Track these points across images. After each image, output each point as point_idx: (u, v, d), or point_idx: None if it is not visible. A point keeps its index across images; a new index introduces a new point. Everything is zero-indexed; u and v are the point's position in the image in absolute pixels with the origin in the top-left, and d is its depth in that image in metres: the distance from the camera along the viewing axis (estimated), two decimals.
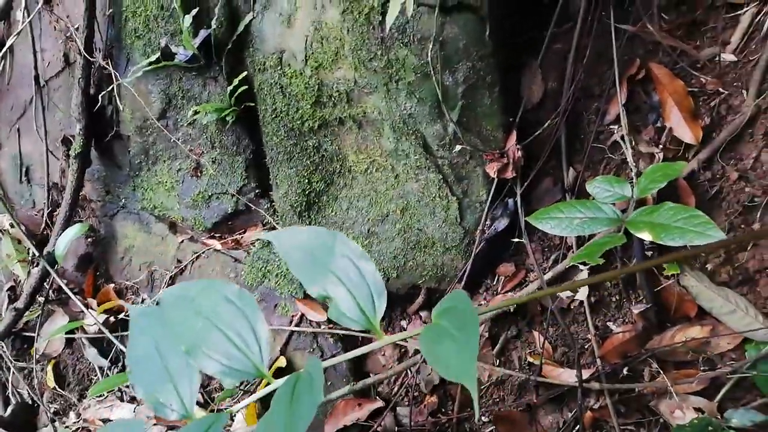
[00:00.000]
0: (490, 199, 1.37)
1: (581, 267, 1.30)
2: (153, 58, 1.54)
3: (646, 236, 0.99)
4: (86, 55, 1.59)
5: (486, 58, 1.24)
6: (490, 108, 1.29)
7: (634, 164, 1.28)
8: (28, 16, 1.67)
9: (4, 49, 1.66)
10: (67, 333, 1.84)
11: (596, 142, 1.40)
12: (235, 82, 1.50)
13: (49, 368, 1.88)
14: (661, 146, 1.34)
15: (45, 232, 1.90)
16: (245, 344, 0.64)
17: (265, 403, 1.48)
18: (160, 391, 0.67)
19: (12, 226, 1.87)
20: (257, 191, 1.67)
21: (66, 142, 1.78)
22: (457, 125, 1.26)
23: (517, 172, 1.32)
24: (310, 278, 0.64)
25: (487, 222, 1.39)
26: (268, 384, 0.65)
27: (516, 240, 1.42)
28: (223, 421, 0.60)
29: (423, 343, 0.56)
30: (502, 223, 1.38)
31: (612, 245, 1.03)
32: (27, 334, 1.92)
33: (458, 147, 1.27)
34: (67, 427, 1.79)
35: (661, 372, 1.33)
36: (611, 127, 1.39)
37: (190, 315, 0.66)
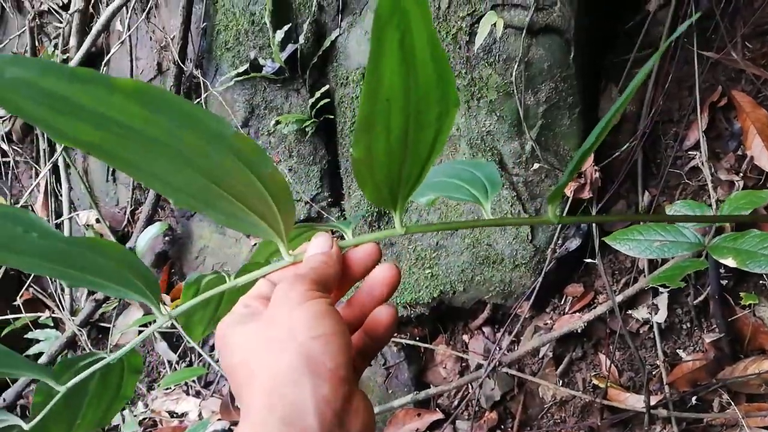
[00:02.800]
0: (563, 215, 1.39)
1: (662, 290, 1.30)
2: (241, 69, 1.62)
3: (730, 262, 0.99)
4: (179, 63, 1.69)
5: (569, 79, 1.26)
6: (569, 128, 1.32)
7: (713, 191, 1.28)
8: (128, 26, 1.80)
9: (107, 57, 1.78)
10: (140, 326, 1.94)
11: (673, 167, 1.40)
12: (317, 94, 1.57)
13: None
14: (741, 174, 1.33)
15: (126, 229, 2.01)
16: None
17: None
18: None
19: (97, 221, 1.98)
20: (330, 200, 1.73)
21: None
22: (535, 144, 1.29)
23: (594, 193, 1.33)
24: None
25: (559, 241, 1.41)
26: None
27: (587, 261, 1.43)
28: None
29: None
30: (573, 243, 1.39)
31: (694, 269, 1.03)
32: (103, 324, 2.03)
33: (536, 165, 1.30)
34: (135, 415, 1.88)
35: (732, 403, 1.30)
36: (690, 152, 1.39)
37: None
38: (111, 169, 2.05)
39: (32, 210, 2.14)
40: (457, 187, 0.67)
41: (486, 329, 1.61)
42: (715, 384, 1.32)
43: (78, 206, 2.14)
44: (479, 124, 1.34)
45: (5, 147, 2.09)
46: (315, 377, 0.40)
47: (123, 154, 0.41)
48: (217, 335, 0.48)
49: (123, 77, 0.40)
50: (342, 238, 0.55)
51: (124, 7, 1.74)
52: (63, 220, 2.00)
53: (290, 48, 1.57)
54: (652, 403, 1.33)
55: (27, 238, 0.45)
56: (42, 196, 2.06)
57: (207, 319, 0.64)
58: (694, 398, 1.33)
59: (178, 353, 1.92)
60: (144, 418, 1.88)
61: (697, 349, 1.37)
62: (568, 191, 1.33)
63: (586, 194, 1.33)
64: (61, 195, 2.03)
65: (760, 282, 1.32)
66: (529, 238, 1.43)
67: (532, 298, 1.45)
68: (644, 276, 1.39)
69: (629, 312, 1.41)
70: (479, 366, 1.53)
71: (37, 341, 2.00)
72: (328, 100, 1.58)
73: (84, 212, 2.07)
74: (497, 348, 1.52)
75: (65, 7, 1.96)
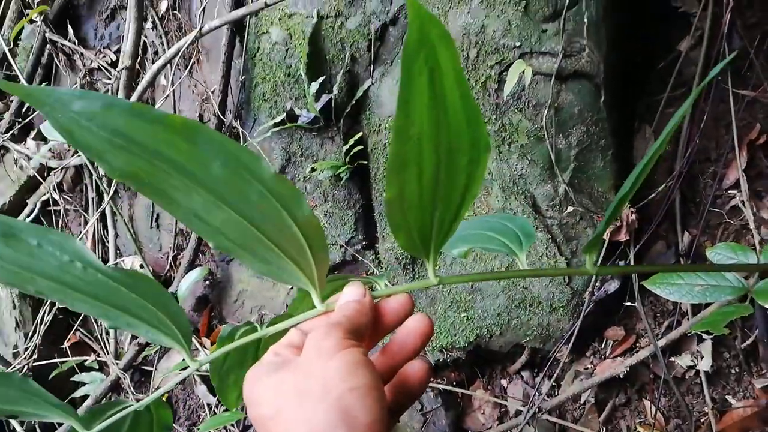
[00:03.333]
0: (600, 260, 1.37)
1: (705, 336, 1.26)
2: (278, 119, 1.68)
3: None
4: (220, 115, 1.76)
5: (600, 122, 1.27)
6: (602, 171, 1.31)
7: (756, 231, 1.25)
8: (172, 81, 1.89)
9: None
10: (181, 369, 1.97)
11: (713, 206, 1.38)
12: (351, 141, 1.61)
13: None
14: None
15: (169, 274, 2.07)
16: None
17: None
18: None
19: (141, 266, 2.05)
20: (364, 243, 1.75)
21: None
22: (568, 187, 1.29)
23: (630, 235, 1.31)
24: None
25: (597, 284, 1.38)
26: None
27: (627, 304, 1.40)
28: None
29: None
30: (612, 286, 1.37)
31: (738, 315, 1.00)
32: (146, 368, 2.08)
33: (570, 208, 1.29)
34: None
35: None
36: (730, 192, 1.36)
37: None
38: (155, 216, 2.13)
39: None
40: (490, 239, 0.67)
41: (525, 374, 1.58)
42: None
43: (124, 252, 2.22)
44: (511, 168, 1.35)
45: (56, 196, 2.20)
46: None
47: (167, 189, 0.43)
48: (245, 385, 0.47)
49: (172, 113, 0.43)
50: (374, 288, 0.55)
51: (169, 64, 1.83)
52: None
53: (325, 98, 1.62)
54: None
55: (71, 269, 0.47)
56: (90, 242, 2.15)
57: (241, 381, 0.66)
58: None
59: (217, 397, 1.93)
60: None
61: (747, 395, 1.31)
62: (605, 235, 1.31)
63: (623, 236, 1.31)
64: (107, 242, 2.12)
65: None
66: (566, 280, 1.41)
67: (572, 341, 1.42)
68: (687, 319, 1.35)
69: (672, 358, 1.37)
70: (518, 412, 1.49)
71: (83, 384, 2.05)
72: (362, 147, 1.62)
73: (129, 258, 2.15)
74: (537, 393, 1.49)
75: (114, 65, 2.08)
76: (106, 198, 1.98)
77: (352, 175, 1.70)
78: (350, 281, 0.55)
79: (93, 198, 2.13)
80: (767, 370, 1.28)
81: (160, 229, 2.13)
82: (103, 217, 2.13)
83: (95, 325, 2.18)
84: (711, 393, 1.33)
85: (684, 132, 1.38)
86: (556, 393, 1.49)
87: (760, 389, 1.28)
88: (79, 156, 1.99)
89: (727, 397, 1.33)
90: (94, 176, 1.97)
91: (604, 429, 1.43)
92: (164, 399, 2.02)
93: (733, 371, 1.34)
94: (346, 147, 1.63)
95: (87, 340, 2.21)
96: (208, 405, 1.97)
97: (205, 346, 1.94)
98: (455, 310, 1.56)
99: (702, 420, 1.34)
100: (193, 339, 1.81)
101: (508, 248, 0.64)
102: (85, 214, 2.21)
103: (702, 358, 1.31)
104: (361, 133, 1.61)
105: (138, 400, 0.55)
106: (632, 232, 1.32)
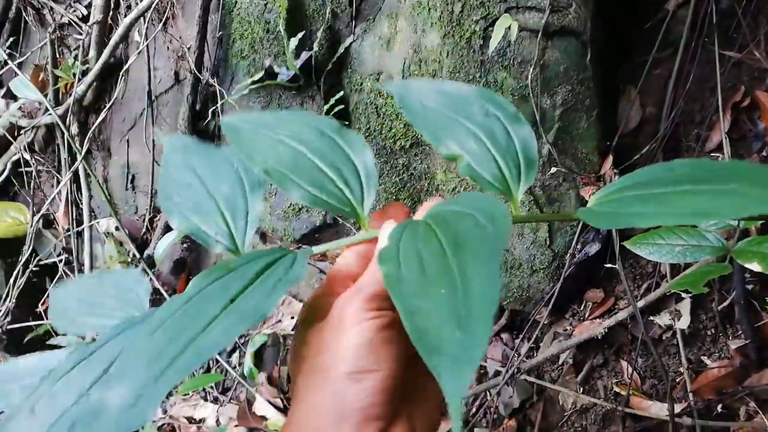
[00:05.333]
0: (582, 223, 1.36)
1: (684, 295, 1.27)
2: (257, 77, 1.63)
3: (755, 267, 0.96)
4: (196, 72, 1.71)
5: (585, 81, 1.24)
6: (586, 131, 1.30)
7: None
8: (146, 36, 1.82)
9: (126, 67, 1.81)
10: None
11: None
12: (332, 101, 1.57)
13: None
14: None
15: (145, 237, 2.03)
16: (342, 180, 0.52)
17: None
18: (204, 219, 0.54)
19: (117, 229, 2.01)
20: None
21: None
22: (552, 147, 1.27)
23: None
24: (441, 134, 0.53)
25: (578, 246, 1.38)
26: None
27: (607, 265, 1.40)
28: (306, 254, 0.48)
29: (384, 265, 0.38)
30: (593, 248, 1.37)
31: (717, 274, 1.00)
32: None
33: (553, 169, 1.28)
34: (154, 421, 1.89)
35: (760, 412, 1.26)
36: (712, 154, 1.36)
37: (266, 141, 0.54)
38: (130, 177, 2.08)
39: (54, 218, 2.18)
40: (485, 154, 0.54)
41: (504, 335, 1.59)
42: (741, 392, 1.28)
43: (98, 214, 2.17)
44: None
45: (27, 157, 2.13)
46: (342, 420, 0.40)
47: None
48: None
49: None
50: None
51: (142, 18, 1.76)
52: (83, 228, 2.03)
53: (305, 55, 1.57)
54: (676, 411, 1.29)
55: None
56: (63, 204, 2.10)
57: None
58: (719, 406, 1.30)
59: None
60: (162, 424, 1.89)
61: (723, 356, 1.33)
62: (587, 195, 1.30)
63: None
64: (81, 203, 2.06)
65: None
66: (548, 242, 1.41)
67: (551, 303, 1.43)
68: (666, 281, 1.36)
69: (651, 318, 1.38)
70: (497, 373, 1.50)
71: (60, 347, 2.02)
72: (343, 106, 1.58)
73: (104, 220, 2.10)
74: (516, 354, 1.50)
75: (85, 20, 2.00)
76: (79, 158, 1.92)
77: None
78: (393, 208, 0.53)
79: (65, 158, 2.06)
80: (743, 331, 1.30)
81: (135, 191, 2.08)
82: (76, 178, 2.07)
83: None
84: (687, 354, 1.35)
85: (669, 94, 1.37)
86: (535, 354, 1.50)
87: (735, 350, 1.30)
88: (50, 115, 1.92)
89: (702, 357, 1.35)
90: (66, 135, 1.91)
91: (582, 389, 1.45)
92: None
93: (709, 333, 1.35)
94: (327, 106, 1.58)
95: None
96: None
97: None
98: None
99: (678, 380, 1.36)
100: None
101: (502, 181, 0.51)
102: (58, 175, 2.15)
103: (680, 317, 1.32)
104: (342, 92, 1.57)
105: None
106: None
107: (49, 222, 2.20)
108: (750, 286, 1.29)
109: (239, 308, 0.41)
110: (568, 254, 1.39)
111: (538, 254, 1.42)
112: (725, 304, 1.32)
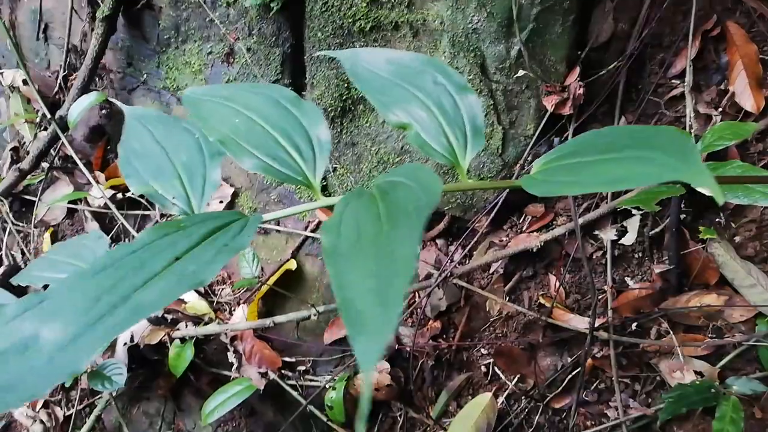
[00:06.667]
0: (537, 134, 1.33)
1: (635, 212, 1.29)
2: None
3: (707, 191, 0.97)
4: None
5: None
6: (559, 37, 1.23)
7: (693, 121, 1.25)
8: None
9: None
10: (69, 202, 1.79)
11: (654, 94, 1.36)
12: None
13: (47, 235, 1.84)
14: (720, 109, 1.30)
15: (58, 96, 1.81)
16: (296, 149, 0.55)
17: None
18: (162, 183, 0.58)
19: (25, 83, 1.77)
20: (290, 89, 1.60)
21: (93, 3, 1.67)
22: (524, 47, 1.20)
23: (574, 110, 1.28)
24: (390, 102, 0.55)
25: (529, 158, 1.36)
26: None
27: None
28: (257, 221, 0.50)
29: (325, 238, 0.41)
30: None
31: (669, 195, 1.01)
32: (28, 197, 1.87)
33: (520, 72, 1.22)
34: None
35: (671, 332, 1.34)
36: (673, 81, 1.34)
37: (224, 111, 0.57)
38: (42, 26, 1.82)
39: None
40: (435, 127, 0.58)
41: (440, 241, 1.58)
42: (656, 313, 1.35)
43: (3, 65, 1.91)
44: (466, 19, 1.23)
45: None
46: None
47: None
48: None
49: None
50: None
51: None
52: None
53: None
54: (595, 325, 1.35)
55: None
56: None
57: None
58: (634, 325, 1.37)
59: (110, 235, 1.79)
60: None
61: (645, 278, 1.39)
62: (549, 105, 1.26)
63: (567, 110, 1.27)
64: None
65: (716, 220, 1.33)
66: (499, 151, 1.37)
67: (493, 213, 1.42)
68: (606, 202, 1.37)
69: (596, 232, 1.40)
70: (429, 275, 1.50)
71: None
72: None
73: (9, 71, 1.85)
74: (450, 260, 1.50)
75: None
76: None
77: (285, 7, 1.50)
78: None
79: None
80: (669, 257, 1.35)
81: (48, 43, 1.83)
82: None
83: None
84: (613, 274, 1.39)
85: (643, 12, 1.32)
86: (468, 262, 1.51)
87: (657, 274, 1.36)
88: None
89: (626, 278, 1.40)
90: None
91: (508, 298, 1.48)
92: (50, 233, 1.84)
93: (636, 256, 1.40)
94: None
95: None
96: None
97: (98, 181, 1.75)
98: (381, 170, 1.49)
99: (600, 297, 1.41)
100: (86, 172, 1.62)
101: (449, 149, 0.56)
102: None
103: (626, 233, 1.35)
104: None
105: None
106: (576, 107, 1.28)
107: None
108: (683, 216, 1.33)
109: (180, 270, 0.42)
110: (518, 165, 1.37)
111: (488, 162, 1.39)
112: (657, 230, 1.35)
